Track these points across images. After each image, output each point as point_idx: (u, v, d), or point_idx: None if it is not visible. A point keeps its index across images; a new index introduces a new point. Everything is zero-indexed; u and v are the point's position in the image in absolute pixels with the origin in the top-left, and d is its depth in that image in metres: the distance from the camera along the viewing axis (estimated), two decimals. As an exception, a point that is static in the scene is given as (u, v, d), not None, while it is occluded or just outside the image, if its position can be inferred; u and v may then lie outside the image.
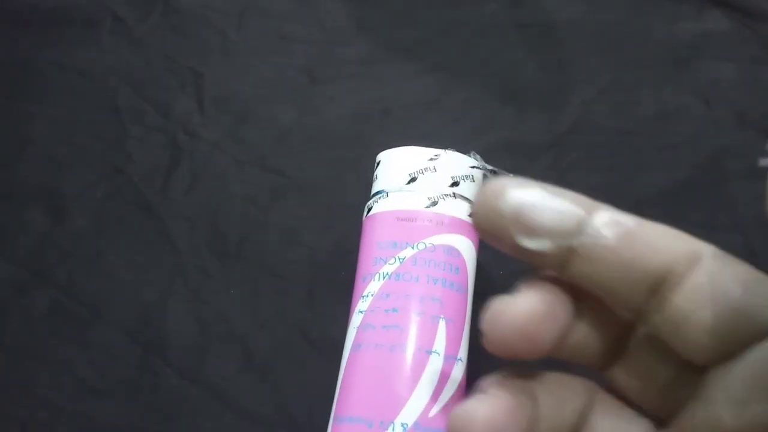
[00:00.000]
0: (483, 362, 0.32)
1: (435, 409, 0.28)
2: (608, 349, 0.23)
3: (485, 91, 0.46)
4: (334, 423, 0.30)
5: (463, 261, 0.31)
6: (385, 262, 0.31)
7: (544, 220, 0.20)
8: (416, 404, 0.28)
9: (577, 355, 0.23)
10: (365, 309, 0.31)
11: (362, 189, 0.35)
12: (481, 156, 0.34)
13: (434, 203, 0.32)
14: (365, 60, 0.48)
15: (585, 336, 0.23)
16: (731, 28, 0.46)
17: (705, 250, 0.20)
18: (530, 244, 0.21)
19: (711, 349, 0.19)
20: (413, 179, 0.32)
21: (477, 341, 0.31)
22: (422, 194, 0.32)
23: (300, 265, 0.40)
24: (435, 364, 0.29)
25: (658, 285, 0.20)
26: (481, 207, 0.21)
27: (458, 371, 0.30)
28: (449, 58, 0.48)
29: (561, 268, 0.21)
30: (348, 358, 0.30)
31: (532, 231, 0.21)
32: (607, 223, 0.20)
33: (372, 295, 0.31)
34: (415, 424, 0.28)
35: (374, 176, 0.34)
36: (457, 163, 0.33)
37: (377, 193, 0.34)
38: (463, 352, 0.30)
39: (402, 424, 0.28)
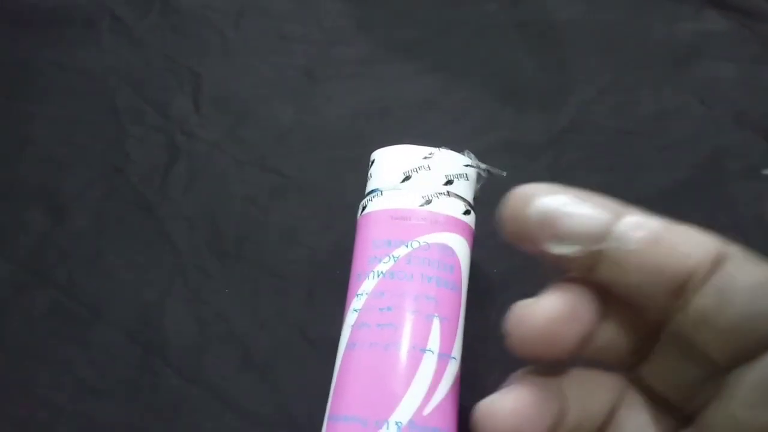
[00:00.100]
0: (477, 361, 0.32)
1: (429, 408, 0.28)
2: (636, 347, 0.23)
3: (485, 91, 0.46)
4: (329, 422, 0.30)
5: (457, 259, 0.31)
6: (380, 261, 0.31)
7: (572, 227, 0.21)
8: (411, 402, 0.28)
9: (605, 354, 0.23)
10: (360, 307, 0.30)
11: (362, 189, 0.35)
12: (480, 156, 0.34)
13: (428, 202, 0.32)
14: (365, 60, 0.48)
15: (612, 335, 0.23)
16: (730, 28, 0.46)
17: (730, 251, 0.20)
18: (558, 249, 0.21)
19: (731, 350, 0.20)
20: (407, 178, 0.32)
21: (471, 340, 0.31)
22: (416, 193, 0.32)
23: (300, 265, 0.40)
24: (429, 363, 0.29)
25: (682, 286, 0.20)
26: (509, 214, 0.22)
27: (452, 369, 0.29)
28: (449, 57, 0.48)
29: (588, 271, 0.21)
30: (343, 356, 0.30)
31: (560, 237, 0.21)
32: (634, 228, 0.21)
33: (366, 293, 0.31)
34: (410, 422, 0.28)
35: (368, 175, 0.34)
36: (452, 162, 0.33)
37: (371, 191, 0.34)
38: (457, 351, 0.30)
39: (396, 423, 0.27)
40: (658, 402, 0.23)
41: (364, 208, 0.33)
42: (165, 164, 0.44)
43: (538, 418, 0.21)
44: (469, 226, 0.33)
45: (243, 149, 0.45)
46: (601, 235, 0.21)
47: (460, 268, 0.31)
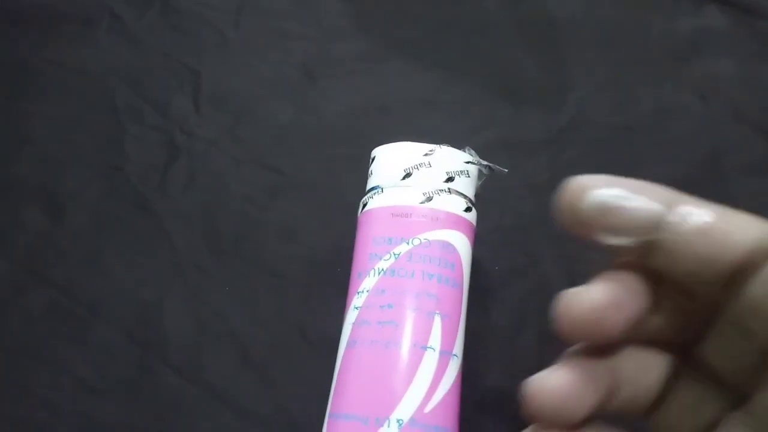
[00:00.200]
0: (478, 358, 0.32)
1: (430, 405, 0.28)
2: (691, 329, 0.23)
3: (484, 89, 0.46)
4: (330, 420, 0.29)
5: (459, 256, 0.31)
6: (380, 258, 0.31)
7: (625, 220, 0.21)
8: (412, 400, 0.28)
9: (659, 335, 0.24)
10: (360, 305, 0.30)
11: (361, 187, 0.35)
12: (479, 153, 0.34)
13: (429, 199, 0.32)
14: (364, 57, 0.48)
15: (666, 318, 0.24)
16: (729, 25, 0.46)
17: None
18: (613, 240, 0.22)
19: None
20: (408, 175, 0.32)
21: (472, 337, 0.31)
22: (417, 190, 0.32)
23: (298, 263, 0.40)
24: (430, 360, 0.29)
25: (735, 274, 0.20)
26: (565, 205, 0.22)
27: (454, 367, 0.29)
28: (448, 55, 0.48)
29: (642, 259, 0.22)
30: (343, 354, 0.30)
31: (614, 229, 0.21)
32: (687, 217, 0.21)
33: (367, 291, 0.31)
34: (411, 419, 0.28)
35: (369, 172, 0.34)
36: (452, 159, 0.33)
37: (372, 188, 0.34)
38: (458, 348, 0.30)
39: (398, 421, 0.27)
40: (713, 380, 0.23)
41: (364, 205, 0.33)
42: (164, 163, 0.44)
43: (585, 394, 0.22)
44: (471, 223, 0.32)
45: (242, 148, 0.44)
46: (655, 227, 0.21)
47: (461, 265, 0.31)
